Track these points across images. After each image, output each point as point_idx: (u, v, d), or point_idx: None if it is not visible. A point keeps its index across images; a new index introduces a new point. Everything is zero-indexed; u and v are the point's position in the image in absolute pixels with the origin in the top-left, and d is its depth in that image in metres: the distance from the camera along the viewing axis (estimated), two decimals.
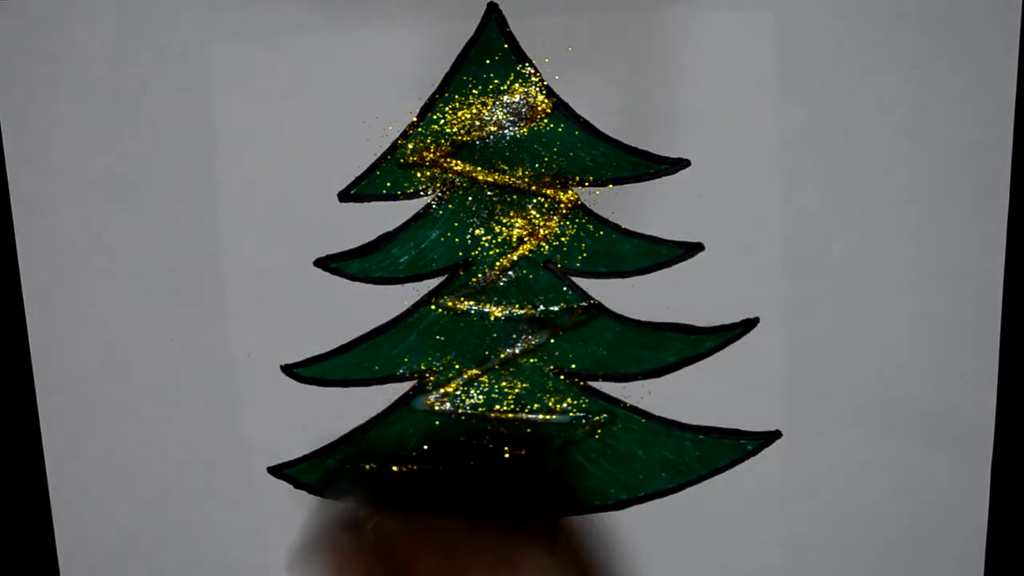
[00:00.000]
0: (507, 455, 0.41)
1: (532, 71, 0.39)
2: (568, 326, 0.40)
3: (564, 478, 0.41)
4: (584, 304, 0.40)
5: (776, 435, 0.41)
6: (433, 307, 0.41)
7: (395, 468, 0.42)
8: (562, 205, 0.40)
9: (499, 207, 0.40)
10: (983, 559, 0.41)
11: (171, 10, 0.39)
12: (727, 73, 0.38)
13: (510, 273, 0.40)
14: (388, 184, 0.40)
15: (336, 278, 0.41)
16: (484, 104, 0.39)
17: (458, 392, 0.41)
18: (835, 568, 0.42)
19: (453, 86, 0.39)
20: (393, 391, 0.41)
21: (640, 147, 0.39)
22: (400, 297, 0.41)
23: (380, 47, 0.39)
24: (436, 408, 0.41)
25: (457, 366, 0.41)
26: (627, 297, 0.40)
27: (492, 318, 0.41)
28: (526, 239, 0.40)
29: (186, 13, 0.39)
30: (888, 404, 0.40)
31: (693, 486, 0.41)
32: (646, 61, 0.38)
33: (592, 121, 0.39)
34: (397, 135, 0.39)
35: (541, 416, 0.41)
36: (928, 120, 0.38)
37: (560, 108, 0.39)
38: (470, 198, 0.40)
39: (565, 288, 0.40)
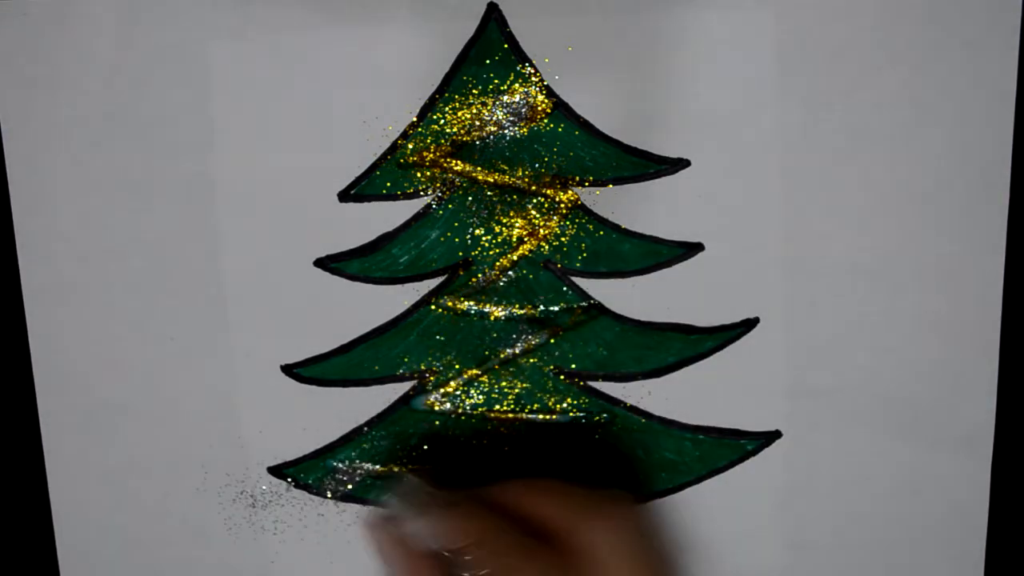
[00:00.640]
0: (507, 455, 0.41)
1: (532, 71, 0.39)
2: (568, 326, 0.40)
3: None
4: (584, 304, 0.40)
5: (776, 435, 0.41)
6: (433, 307, 0.41)
7: (395, 468, 0.42)
8: (562, 205, 0.40)
9: (499, 207, 0.40)
10: (983, 559, 0.41)
11: (171, 10, 0.39)
12: (727, 73, 0.38)
13: (510, 273, 0.40)
14: (388, 184, 0.40)
15: (336, 278, 0.41)
16: (484, 104, 0.39)
17: (458, 392, 0.41)
18: (835, 568, 0.42)
19: (453, 86, 0.39)
20: (393, 391, 0.41)
21: (640, 147, 0.39)
22: (400, 297, 0.41)
23: (380, 47, 0.39)
24: (436, 408, 0.41)
25: (457, 366, 0.41)
26: (627, 297, 0.40)
27: (492, 318, 0.41)
28: (526, 239, 0.40)
29: (186, 13, 0.39)
30: (888, 404, 0.40)
31: (693, 486, 0.41)
32: (646, 61, 0.38)
33: (592, 121, 0.39)
34: (397, 135, 0.39)
35: (541, 416, 0.41)
36: (928, 120, 0.38)
37: (560, 108, 0.39)
38: (470, 198, 0.40)
39: (565, 288, 0.40)
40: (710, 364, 0.40)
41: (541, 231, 0.40)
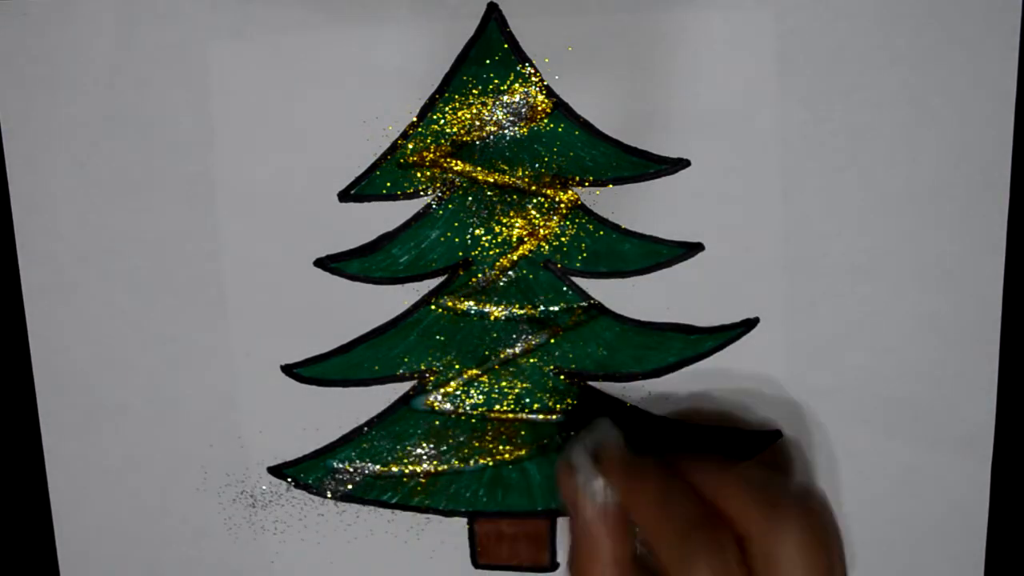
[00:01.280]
0: (507, 455, 0.41)
1: (532, 71, 0.39)
2: (568, 326, 0.40)
3: None
4: (584, 304, 0.40)
5: (776, 435, 0.41)
6: (433, 307, 0.41)
7: (395, 468, 0.42)
8: (562, 205, 0.40)
9: (499, 207, 0.40)
10: (983, 559, 0.41)
11: (171, 10, 0.39)
12: (727, 73, 0.38)
13: (510, 273, 0.40)
14: (388, 184, 0.40)
15: (336, 278, 0.41)
16: (484, 104, 0.39)
17: (458, 392, 0.41)
18: None
19: (453, 86, 0.39)
20: (393, 391, 0.41)
21: (640, 147, 0.39)
22: (400, 297, 0.41)
23: (380, 47, 0.39)
24: (436, 408, 0.41)
25: (457, 366, 0.41)
26: (627, 297, 0.40)
27: (492, 318, 0.41)
28: (526, 239, 0.40)
29: (186, 13, 0.39)
30: (888, 404, 0.40)
31: None
32: (646, 61, 0.38)
33: (592, 121, 0.39)
34: (397, 135, 0.39)
35: (541, 416, 0.41)
36: (928, 120, 0.38)
37: (560, 108, 0.39)
38: (470, 198, 0.40)
39: (565, 288, 0.40)
40: (710, 364, 0.40)
41: (541, 231, 0.40)
